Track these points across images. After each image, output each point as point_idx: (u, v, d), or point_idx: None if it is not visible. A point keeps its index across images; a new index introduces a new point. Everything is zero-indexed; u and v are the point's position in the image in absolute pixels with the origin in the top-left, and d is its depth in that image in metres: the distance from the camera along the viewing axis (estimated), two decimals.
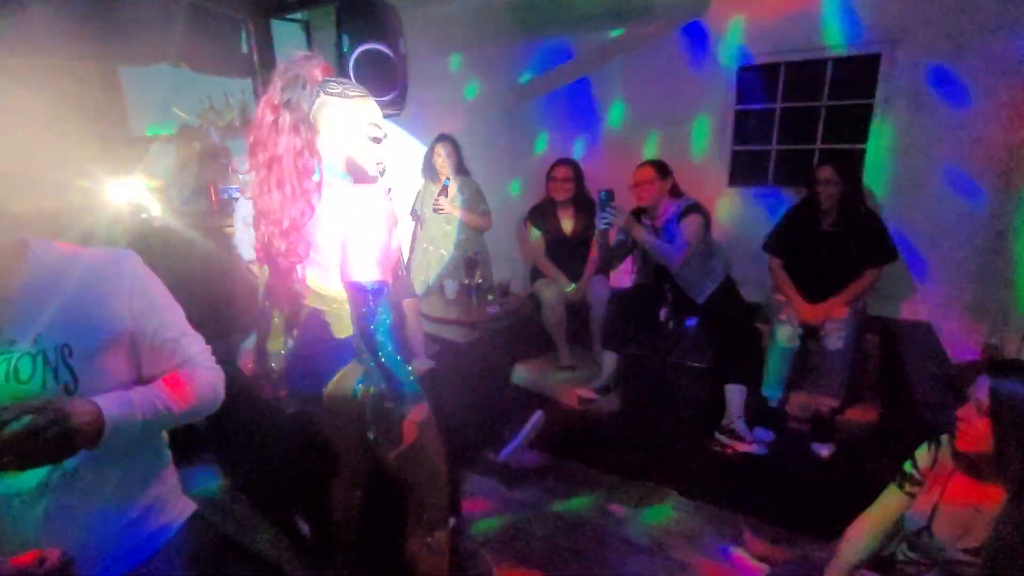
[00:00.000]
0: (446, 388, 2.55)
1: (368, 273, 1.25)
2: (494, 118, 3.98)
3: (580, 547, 2.18)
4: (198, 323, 1.11)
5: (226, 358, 1.21)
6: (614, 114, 3.62)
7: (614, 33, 3.47)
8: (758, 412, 2.65)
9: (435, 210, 3.31)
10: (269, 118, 1.29)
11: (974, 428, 1.23)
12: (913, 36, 2.69)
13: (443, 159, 3.29)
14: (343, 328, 1.38)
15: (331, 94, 1.32)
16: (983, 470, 1.27)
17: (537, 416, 2.68)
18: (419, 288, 3.35)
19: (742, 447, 2.53)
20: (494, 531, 2.28)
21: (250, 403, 1.97)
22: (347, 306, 1.32)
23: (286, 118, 1.28)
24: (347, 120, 1.33)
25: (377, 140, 1.38)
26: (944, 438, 1.38)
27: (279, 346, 1.46)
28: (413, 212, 3.53)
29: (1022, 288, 2.62)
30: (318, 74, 1.32)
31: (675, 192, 2.78)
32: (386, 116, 3.81)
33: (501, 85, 3.92)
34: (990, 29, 2.52)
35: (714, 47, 3.18)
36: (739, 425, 2.55)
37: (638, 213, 2.83)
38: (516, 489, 2.54)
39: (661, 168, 2.75)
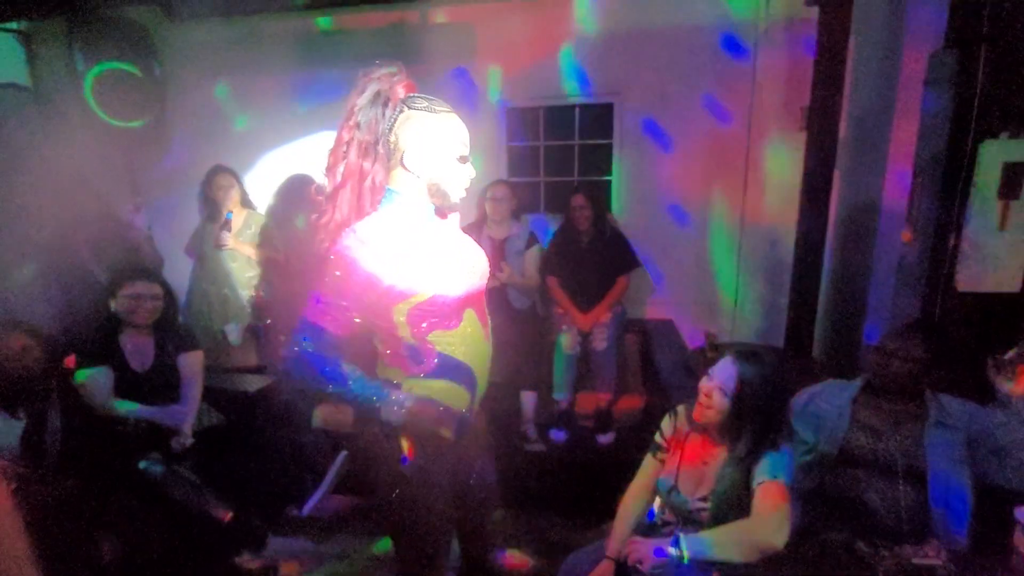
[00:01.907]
0: (237, 444, 2.33)
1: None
2: (269, 150, 3.79)
3: None
4: None
5: None
6: None
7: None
8: (552, 416, 2.95)
9: (217, 246, 3.02)
10: (345, 138, 1.22)
11: (716, 403, 1.49)
12: (631, 91, 3.34)
13: (223, 192, 3.04)
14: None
15: (416, 108, 1.22)
16: (710, 432, 1.58)
17: (341, 458, 2.57)
18: (201, 335, 3.01)
19: (528, 447, 2.79)
20: None
21: None
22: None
23: (359, 137, 1.20)
24: (433, 136, 1.22)
25: (464, 159, 1.28)
26: (680, 408, 1.67)
27: None
28: (189, 250, 3.17)
29: (728, 289, 3.41)
30: (401, 91, 1.22)
31: (515, 212, 3.02)
32: (142, 144, 3.38)
33: (277, 116, 3.75)
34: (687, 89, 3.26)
35: (482, 90, 3.51)
36: (530, 429, 2.82)
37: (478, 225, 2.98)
38: (327, 541, 2.41)
39: (512, 187, 2.98)
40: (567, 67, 3.37)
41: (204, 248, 3.09)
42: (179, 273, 3.14)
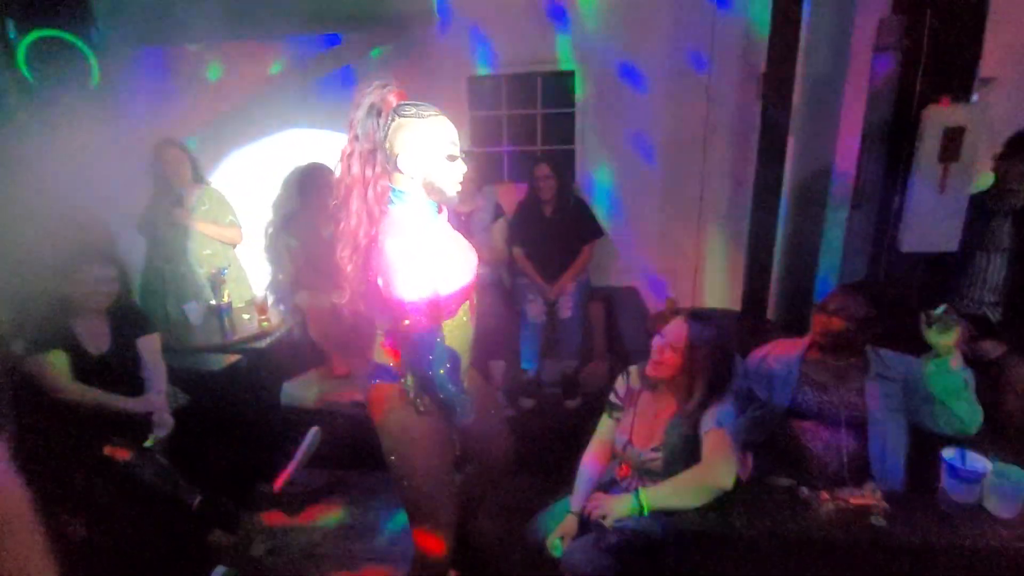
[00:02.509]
0: (206, 424, 2.31)
1: (404, 292, 1.31)
2: (230, 119, 3.65)
3: (377, 556, 2.19)
4: None
5: None
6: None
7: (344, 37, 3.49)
8: (521, 383, 3.01)
9: (171, 224, 2.93)
10: (348, 149, 1.35)
11: (667, 359, 1.58)
12: (593, 59, 3.32)
13: (173, 167, 2.93)
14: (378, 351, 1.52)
15: (405, 116, 1.33)
16: (660, 387, 1.66)
17: (312, 433, 2.59)
18: (158, 315, 2.94)
19: None
20: (288, 562, 2.18)
21: None
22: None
23: (359, 148, 1.33)
24: (423, 140, 1.34)
25: (453, 158, 1.39)
26: (632, 368, 1.76)
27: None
28: (140, 228, 3.07)
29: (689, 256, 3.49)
30: (393, 100, 1.34)
31: (480, 185, 3.01)
32: (83, 117, 3.22)
33: (227, 85, 3.60)
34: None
35: (444, 57, 3.43)
36: (499, 397, 2.87)
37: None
38: (300, 516, 2.44)
39: (476, 163, 2.92)
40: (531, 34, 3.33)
41: (157, 226, 2.99)
42: (129, 252, 3.04)
